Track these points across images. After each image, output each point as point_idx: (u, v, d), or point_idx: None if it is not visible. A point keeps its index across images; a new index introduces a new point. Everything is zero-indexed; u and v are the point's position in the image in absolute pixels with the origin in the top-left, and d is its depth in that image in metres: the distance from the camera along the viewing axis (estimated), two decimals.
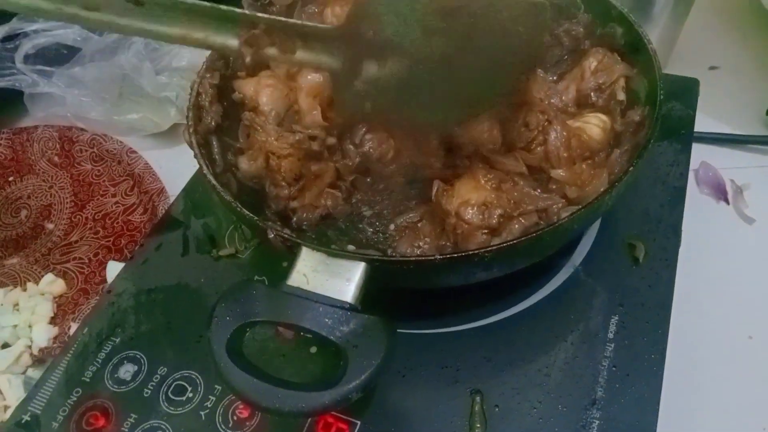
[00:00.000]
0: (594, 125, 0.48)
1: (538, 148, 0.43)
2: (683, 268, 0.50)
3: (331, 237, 0.50)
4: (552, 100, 0.46)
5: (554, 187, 0.43)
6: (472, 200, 0.42)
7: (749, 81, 0.71)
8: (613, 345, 0.44)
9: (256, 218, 0.41)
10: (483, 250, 0.37)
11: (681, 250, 0.51)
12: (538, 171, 0.44)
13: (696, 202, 0.60)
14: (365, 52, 0.39)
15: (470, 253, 0.37)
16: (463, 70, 0.39)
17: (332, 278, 0.37)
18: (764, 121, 0.66)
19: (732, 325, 0.52)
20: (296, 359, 0.45)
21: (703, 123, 0.66)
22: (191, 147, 0.47)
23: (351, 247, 0.47)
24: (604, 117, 0.49)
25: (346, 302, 0.36)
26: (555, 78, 0.51)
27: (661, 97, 0.43)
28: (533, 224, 0.42)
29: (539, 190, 0.44)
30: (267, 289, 0.37)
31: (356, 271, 0.37)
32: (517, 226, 0.41)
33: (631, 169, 0.39)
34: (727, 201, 0.61)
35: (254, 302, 0.36)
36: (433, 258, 0.37)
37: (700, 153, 0.64)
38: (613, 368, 0.43)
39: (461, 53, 0.38)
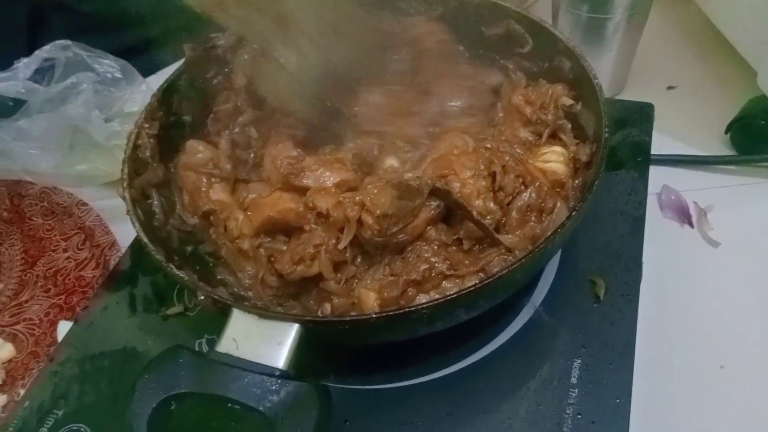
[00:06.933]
0: (554, 162, 0.48)
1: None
2: (649, 298, 0.49)
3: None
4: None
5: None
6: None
7: (707, 100, 0.71)
8: (576, 390, 0.43)
9: (186, 278, 0.39)
10: (421, 306, 0.35)
11: (646, 278, 0.50)
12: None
13: (660, 227, 0.59)
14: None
15: (407, 310, 0.35)
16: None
17: (263, 342, 0.35)
18: (724, 140, 0.66)
19: (702, 355, 0.50)
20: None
21: (663, 144, 0.65)
22: (125, 202, 0.45)
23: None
24: (559, 149, 0.49)
25: (277, 368, 0.34)
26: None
27: (606, 134, 0.42)
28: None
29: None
30: (194, 356, 0.35)
31: (288, 333, 0.35)
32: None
33: (574, 214, 0.38)
34: (691, 224, 0.60)
35: (180, 372, 0.34)
36: (368, 317, 0.36)
37: (661, 176, 0.63)
38: (578, 416, 0.42)
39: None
